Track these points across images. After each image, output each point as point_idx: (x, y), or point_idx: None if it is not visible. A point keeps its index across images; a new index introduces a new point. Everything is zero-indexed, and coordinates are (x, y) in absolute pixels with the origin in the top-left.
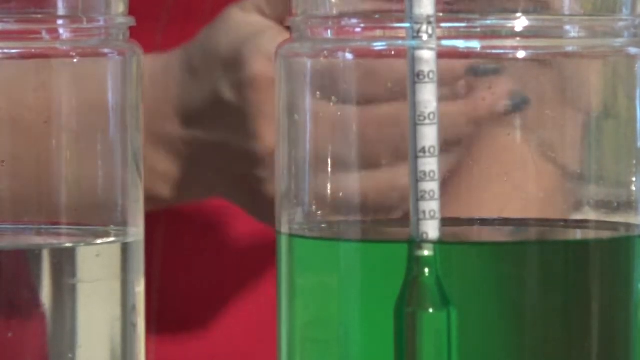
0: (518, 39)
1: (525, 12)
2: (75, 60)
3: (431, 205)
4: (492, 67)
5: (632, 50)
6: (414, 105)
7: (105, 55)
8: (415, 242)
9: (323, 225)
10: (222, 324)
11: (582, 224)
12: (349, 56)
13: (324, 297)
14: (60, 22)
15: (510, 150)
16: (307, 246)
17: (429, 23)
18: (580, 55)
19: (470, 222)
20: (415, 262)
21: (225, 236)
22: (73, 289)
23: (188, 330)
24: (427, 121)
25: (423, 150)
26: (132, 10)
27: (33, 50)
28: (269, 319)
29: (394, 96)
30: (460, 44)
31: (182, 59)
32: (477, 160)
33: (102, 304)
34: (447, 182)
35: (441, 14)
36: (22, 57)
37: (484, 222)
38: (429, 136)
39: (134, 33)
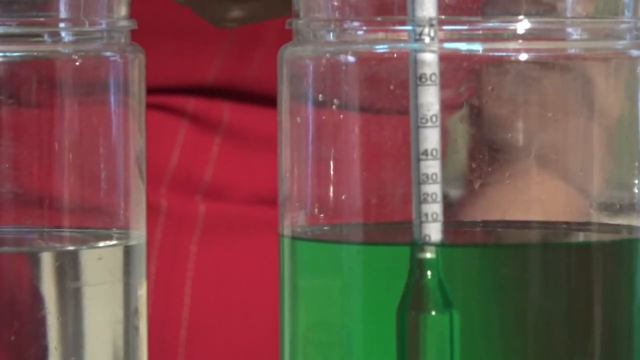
0: (520, 41)
1: (528, 15)
2: (77, 63)
3: (433, 208)
4: None
5: (634, 52)
6: (416, 107)
7: (107, 57)
8: (418, 244)
9: (325, 228)
10: (252, 329)
11: (584, 226)
12: (351, 59)
13: (327, 299)
14: (62, 25)
15: (512, 154)
16: (309, 249)
17: (431, 25)
18: (583, 58)
19: (473, 224)
20: (417, 265)
21: (258, 245)
22: (75, 292)
23: (219, 336)
24: (429, 124)
25: (425, 152)
26: (195, 31)
27: (35, 53)
28: None
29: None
30: (463, 46)
31: None
32: (479, 164)
33: (104, 307)
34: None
35: (443, 17)
36: (24, 59)
37: (486, 224)
38: (431, 139)
39: (192, 53)
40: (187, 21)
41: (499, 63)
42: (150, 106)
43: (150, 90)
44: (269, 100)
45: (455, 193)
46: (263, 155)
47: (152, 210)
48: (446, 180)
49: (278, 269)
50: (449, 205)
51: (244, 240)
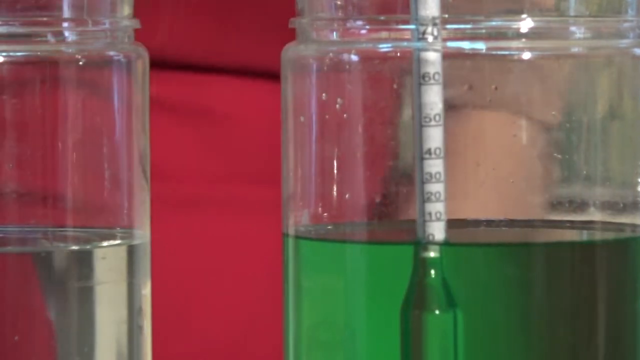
0: (523, 40)
1: (531, 14)
2: (80, 63)
3: (437, 207)
4: None
5: (638, 51)
6: (419, 106)
7: (110, 57)
8: (421, 243)
9: (329, 227)
10: (217, 319)
11: (588, 225)
12: (354, 58)
13: (330, 299)
14: (65, 24)
15: (516, 152)
16: (313, 248)
17: (434, 24)
18: (586, 57)
19: (476, 223)
20: (421, 264)
21: (224, 230)
22: (79, 292)
23: (184, 325)
24: (432, 123)
25: (429, 151)
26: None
27: (39, 53)
28: (265, 314)
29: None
30: (466, 45)
31: None
32: (482, 162)
33: (108, 306)
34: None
35: (446, 16)
36: (28, 59)
37: (489, 223)
38: (435, 138)
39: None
40: None
41: (502, 62)
42: None
43: None
44: (190, 67)
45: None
46: (200, 129)
47: None
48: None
49: (231, 246)
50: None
51: (193, 222)
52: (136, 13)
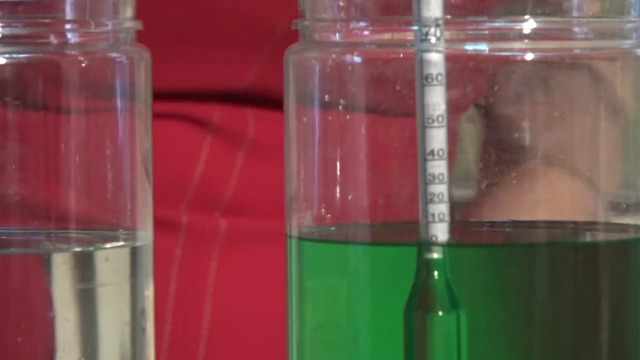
0: (526, 41)
1: (534, 14)
2: (83, 64)
3: (440, 208)
4: None
5: None
6: (422, 108)
7: (113, 59)
8: (425, 244)
9: (332, 228)
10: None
11: (591, 225)
12: (357, 59)
13: (334, 300)
14: (68, 26)
15: (519, 154)
16: (316, 249)
17: (437, 26)
18: (589, 57)
19: (479, 224)
20: (424, 265)
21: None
22: (82, 293)
23: (238, 353)
24: (435, 124)
25: (432, 152)
26: (235, 35)
27: (41, 55)
28: None
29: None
30: (469, 46)
31: None
32: (485, 164)
33: (111, 308)
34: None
35: (449, 17)
36: (30, 61)
37: (492, 224)
38: (438, 139)
39: (230, 57)
40: (225, 24)
41: (505, 63)
42: (176, 116)
43: (180, 95)
44: (273, 104)
45: (462, 193)
46: (269, 164)
47: (173, 227)
48: (453, 181)
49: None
50: (455, 205)
51: (265, 255)
52: (228, 52)
